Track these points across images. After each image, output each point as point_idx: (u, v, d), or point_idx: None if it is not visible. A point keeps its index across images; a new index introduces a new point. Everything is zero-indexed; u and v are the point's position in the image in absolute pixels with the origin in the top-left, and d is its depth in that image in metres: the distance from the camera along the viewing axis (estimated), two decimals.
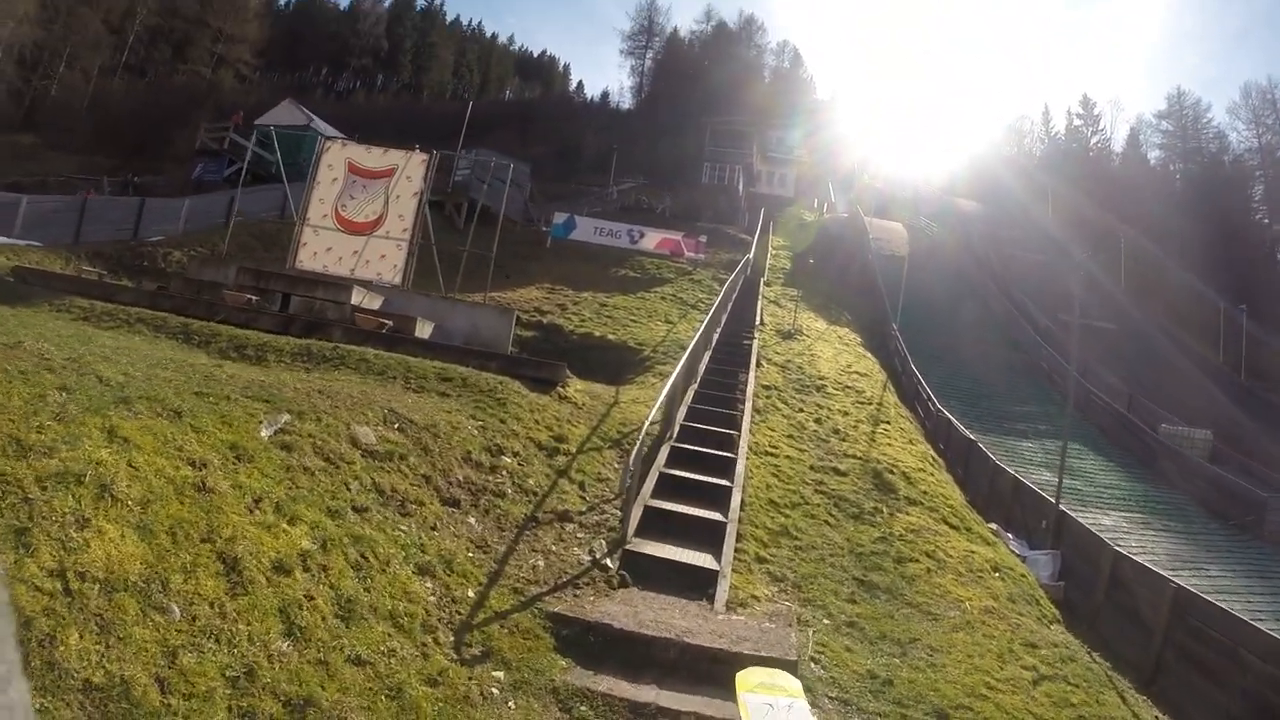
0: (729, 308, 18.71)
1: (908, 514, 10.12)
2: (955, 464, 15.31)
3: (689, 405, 11.41)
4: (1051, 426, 22.36)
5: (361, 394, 7.44)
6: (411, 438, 6.85)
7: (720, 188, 44.42)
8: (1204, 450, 22.20)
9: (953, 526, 10.51)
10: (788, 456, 10.85)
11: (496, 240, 15.77)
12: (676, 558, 7.02)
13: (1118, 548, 11.45)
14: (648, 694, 4.90)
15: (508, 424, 8.35)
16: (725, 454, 9.87)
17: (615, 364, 15.28)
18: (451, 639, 4.95)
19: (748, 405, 11.99)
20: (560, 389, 10.39)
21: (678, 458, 9.43)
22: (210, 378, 6.50)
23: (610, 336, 16.77)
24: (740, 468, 9.44)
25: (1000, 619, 8.18)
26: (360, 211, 14.54)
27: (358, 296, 12.72)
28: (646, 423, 8.32)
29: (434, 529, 5.96)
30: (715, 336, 15.95)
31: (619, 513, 7.44)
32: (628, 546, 6.95)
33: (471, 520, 6.43)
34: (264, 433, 5.48)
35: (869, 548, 8.69)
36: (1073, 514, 13.07)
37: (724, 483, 8.92)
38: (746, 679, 3.99)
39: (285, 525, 4.69)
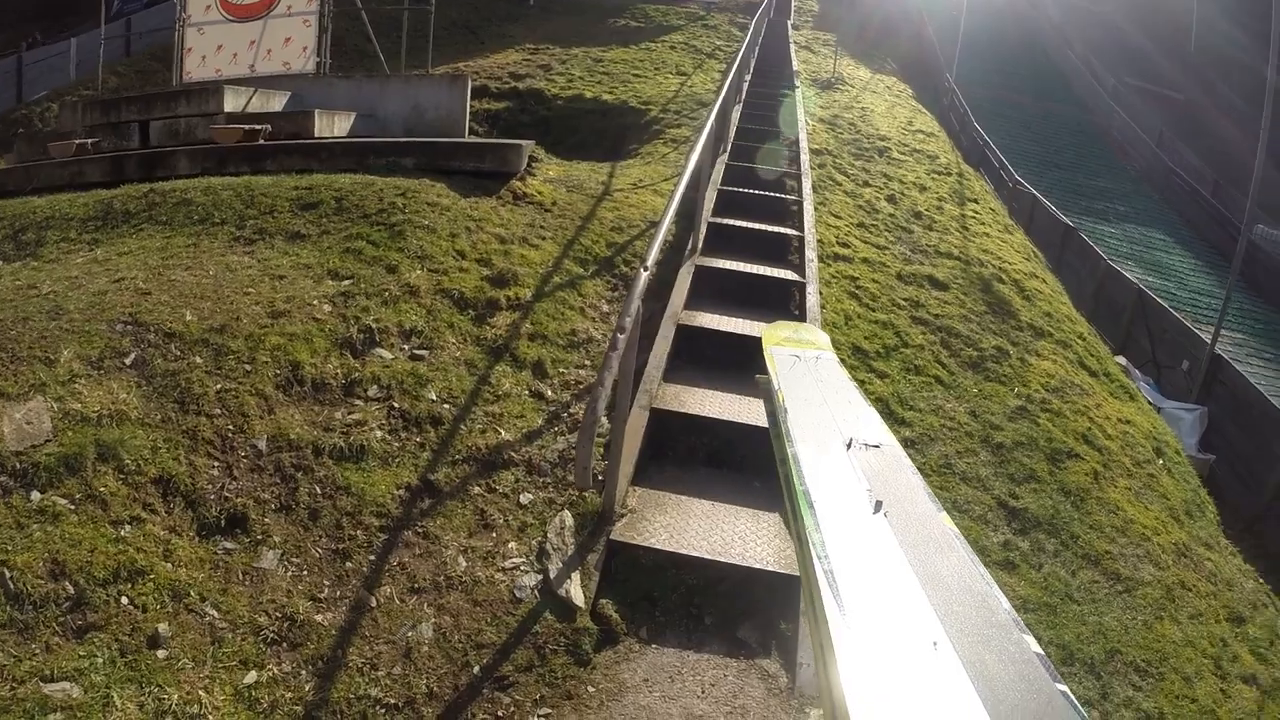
0: (756, 52, 14.12)
1: (1040, 355, 6.78)
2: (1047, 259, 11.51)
3: (718, 187, 7.54)
4: (1131, 208, 18.31)
5: (116, 286, 3.84)
6: (155, 383, 3.29)
7: None
8: None
9: (1092, 373, 7.16)
10: (864, 260, 7.16)
11: None
12: (716, 535, 3.51)
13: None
14: None
15: (401, 274, 4.85)
16: (782, 274, 6.19)
17: (614, 133, 11.16)
18: None
19: (806, 185, 8.01)
20: (517, 182, 6.64)
21: (708, 286, 5.81)
22: None
23: (606, 97, 12.36)
24: (812, 300, 5.73)
25: (1195, 568, 5.24)
26: None
27: (235, 100, 8.90)
28: (664, 224, 4.35)
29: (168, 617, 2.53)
30: (745, 86, 11.67)
31: (605, 426, 3.75)
32: (613, 536, 3.43)
33: (268, 559, 2.93)
34: None
35: (1008, 431, 5.43)
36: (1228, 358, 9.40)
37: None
38: (774, 333, 3.45)
39: None
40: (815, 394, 2.80)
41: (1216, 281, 14.84)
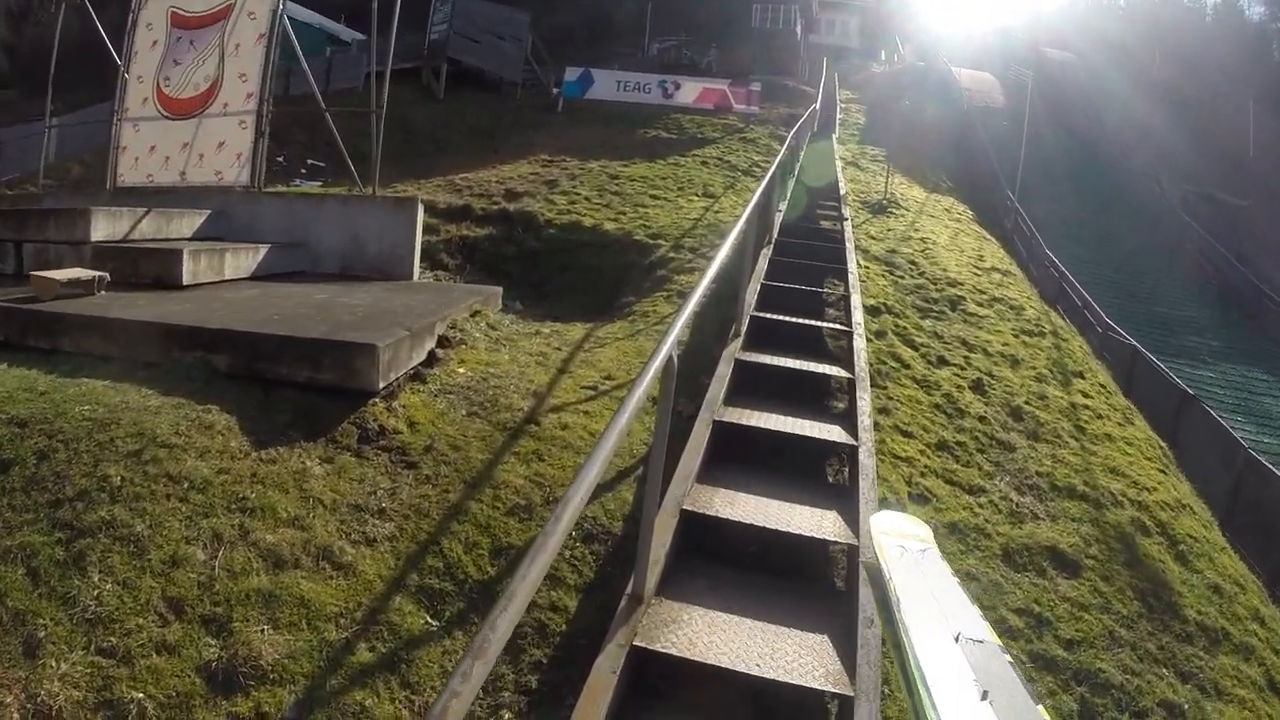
0: (797, 170, 11.70)
1: (1223, 696, 3.96)
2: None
3: (727, 384, 4.90)
4: (1223, 343, 15.36)
5: None
6: None
7: (774, 33, 35.42)
8: None
9: None
10: (953, 529, 4.47)
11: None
12: None
13: None
14: None
15: (40, 663, 2.72)
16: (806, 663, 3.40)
17: (611, 275, 8.72)
18: None
19: (863, 407, 5.09)
20: (374, 407, 4.33)
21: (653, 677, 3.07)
22: None
23: (608, 225, 9.92)
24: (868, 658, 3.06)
25: None
26: (187, 82, 8.63)
27: (112, 225, 6.88)
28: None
29: None
30: (778, 216, 9.16)
31: None
32: None
33: None
34: None
35: None
36: None
37: None
38: (880, 522, 3.33)
39: None
40: (923, 586, 2.84)
41: None
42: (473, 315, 6.18)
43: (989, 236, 13.97)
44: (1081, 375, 7.57)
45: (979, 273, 10.06)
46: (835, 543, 3.57)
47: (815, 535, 3.52)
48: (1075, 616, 4.18)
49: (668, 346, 2.79)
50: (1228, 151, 29.55)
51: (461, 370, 5.11)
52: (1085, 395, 7.13)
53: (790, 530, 3.54)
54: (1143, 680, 3.99)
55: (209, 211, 7.74)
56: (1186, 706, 3.96)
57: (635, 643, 2.82)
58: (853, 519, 3.68)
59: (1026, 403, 6.41)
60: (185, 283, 6.06)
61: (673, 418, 3.08)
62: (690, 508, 3.61)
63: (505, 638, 1.50)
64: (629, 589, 3.07)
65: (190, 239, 7.45)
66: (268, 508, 3.58)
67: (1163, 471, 6.37)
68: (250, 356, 4.54)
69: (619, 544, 3.76)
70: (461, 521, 3.75)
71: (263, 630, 3.04)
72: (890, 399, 5.65)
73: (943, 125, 23.37)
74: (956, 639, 2.60)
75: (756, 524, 3.56)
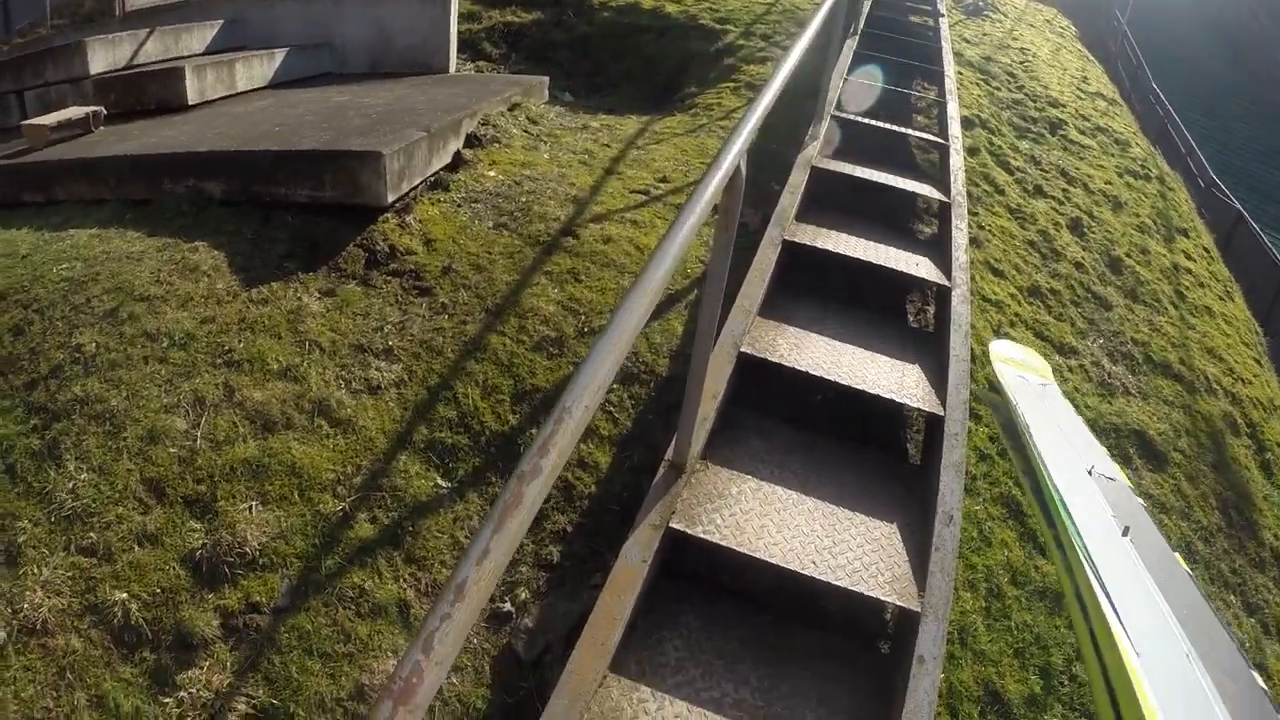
0: None
1: None
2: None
3: (801, 195, 3.94)
4: None
5: None
6: None
7: None
8: None
9: None
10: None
11: None
12: None
13: None
14: None
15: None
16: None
17: (672, 63, 7.30)
18: None
19: (959, 240, 4.01)
20: (385, 224, 3.70)
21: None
22: None
23: (669, 8, 8.20)
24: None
25: None
26: None
27: (110, 54, 5.79)
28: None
29: None
30: (866, 4, 7.63)
31: None
32: None
33: None
34: None
35: None
36: None
37: None
38: (1000, 349, 3.28)
39: None
40: (1049, 419, 2.74)
41: None
42: (511, 109, 5.15)
43: (1092, 60, 12.19)
44: (1185, 234, 6.55)
45: (1082, 96, 8.67)
46: (917, 409, 2.83)
47: (893, 397, 2.77)
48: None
49: (737, 149, 1.88)
50: None
51: (492, 174, 4.18)
52: (1188, 257, 6.17)
53: (864, 389, 2.79)
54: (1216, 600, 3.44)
55: (221, 22, 6.46)
56: (1247, 643, 3.45)
57: (672, 524, 2.17)
58: (940, 379, 2.92)
59: (1127, 254, 5.47)
60: (191, 102, 5.18)
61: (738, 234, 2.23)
62: (750, 350, 2.84)
63: (534, 508, 1.00)
64: (669, 454, 2.38)
65: (204, 54, 6.25)
66: (256, 359, 3.01)
67: (1258, 362, 5.57)
68: (246, 179, 3.77)
69: (663, 387, 3.08)
70: (480, 360, 3.10)
71: (250, 508, 2.57)
72: (982, 228, 4.71)
73: None
74: (1090, 472, 2.51)
75: (828, 377, 2.81)
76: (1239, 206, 9.28)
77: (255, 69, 5.87)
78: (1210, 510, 3.88)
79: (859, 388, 2.75)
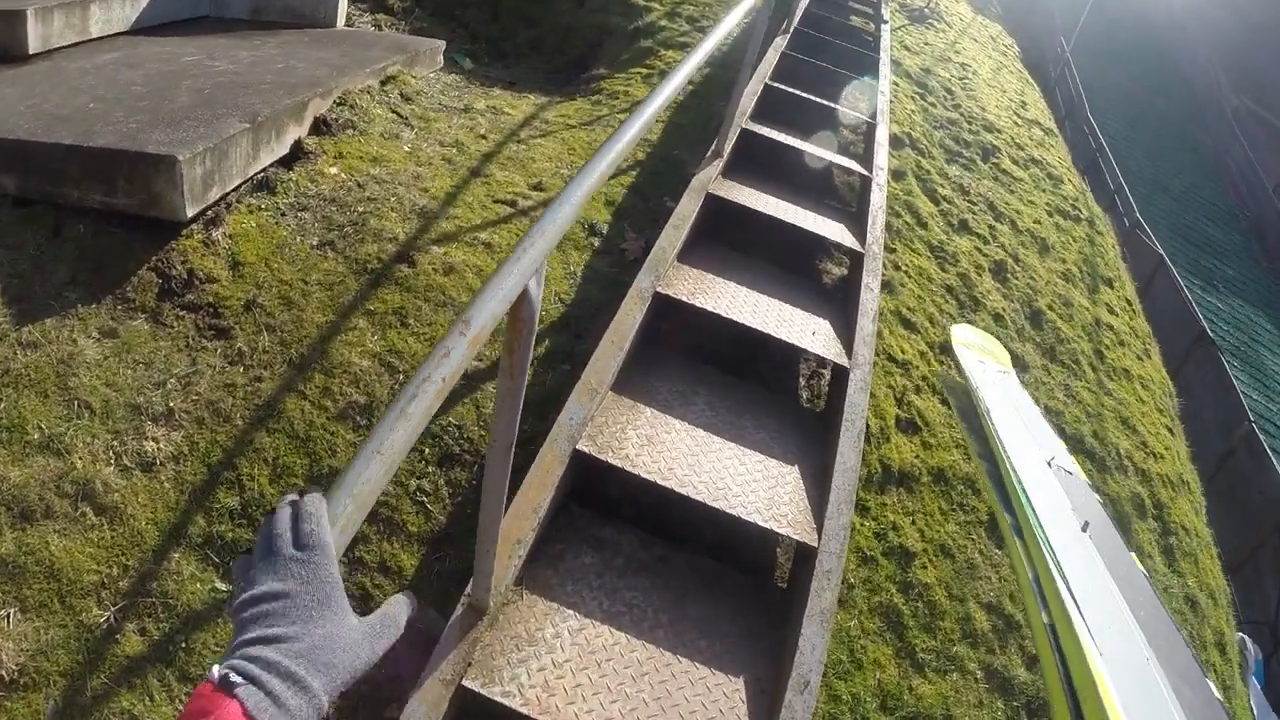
0: None
1: None
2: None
3: (688, 230, 3.22)
4: (1240, 275, 14.00)
5: None
6: None
7: None
8: None
9: None
10: (939, 471, 3.17)
11: None
12: None
13: None
14: None
15: None
16: None
17: (585, 36, 6.47)
18: None
19: (867, 306, 3.14)
20: (187, 240, 3.01)
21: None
22: None
23: None
24: None
25: None
26: None
27: None
28: None
29: None
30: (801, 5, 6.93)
31: None
32: None
33: None
34: None
35: None
36: None
37: None
38: (962, 333, 3.25)
39: None
40: (1009, 406, 2.67)
41: None
42: (384, 83, 4.26)
43: (1032, 83, 11.87)
44: (1110, 284, 6.15)
45: (1020, 123, 8.24)
46: (787, 537, 2.21)
47: (757, 521, 2.13)
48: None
49: (529, 258, 1.18)
50: None
51: (333, 171, 3.36)
52: (1110, 311, 5.77)
53: (721, 508, 2.15)
54: None
55: None
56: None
57: (465, 682, 1.51)
58: (821, 497, 2.30)
59: (1049, 306, 5.00)
60: (32, 51, 3.99)
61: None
62: (588, 450, 2.15)
63: None
64: (469, 589, 1.72)
65: None
66: (16, 426, 2.38)
67: (1170, 430, 5.19)
68: (39, 176, 2.89)
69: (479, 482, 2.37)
70: (273, 431, 2.46)
71: (9, 616, 2.12)
72: (899, 268, 4.12)
73: None
74: (1050, 464, 2.47)
75: (680, 490, 2.16)
76: (1161, 252, 9.05)
77: (115, 10, 4.77)
78: None
79: (716, 506, 2.10)
